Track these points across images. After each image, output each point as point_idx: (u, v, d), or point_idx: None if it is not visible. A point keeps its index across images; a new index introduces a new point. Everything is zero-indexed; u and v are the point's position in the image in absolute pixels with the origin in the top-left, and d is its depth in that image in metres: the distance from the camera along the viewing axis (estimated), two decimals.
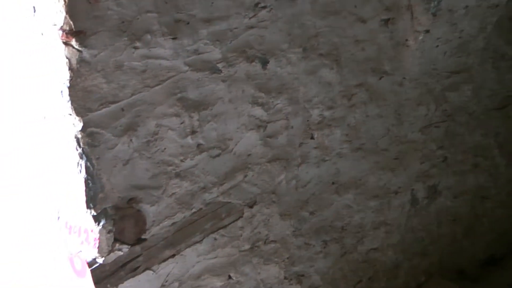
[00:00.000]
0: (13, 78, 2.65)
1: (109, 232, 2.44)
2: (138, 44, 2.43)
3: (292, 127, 3.06)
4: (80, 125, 2.31)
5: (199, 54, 2.62)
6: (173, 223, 2.66)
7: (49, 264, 2.81)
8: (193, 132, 2.66)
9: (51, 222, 2.67)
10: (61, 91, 2.29)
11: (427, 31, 3.52)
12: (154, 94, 2.51)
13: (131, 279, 2.58)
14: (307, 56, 3.04)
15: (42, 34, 2.33)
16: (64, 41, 2.25)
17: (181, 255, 2.73)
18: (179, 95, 2.59)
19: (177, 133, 2.61)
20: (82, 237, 2.50)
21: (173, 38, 2.53)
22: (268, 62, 2.87)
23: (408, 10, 3.45)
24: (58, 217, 2.61)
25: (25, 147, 2.73)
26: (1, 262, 3.31)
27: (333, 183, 3.34)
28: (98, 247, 2.44)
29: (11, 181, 2.91)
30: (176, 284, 2.74)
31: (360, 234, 3.58)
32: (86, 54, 2.28)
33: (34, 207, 2.79)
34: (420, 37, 3.52)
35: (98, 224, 2.42)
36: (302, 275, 3.30)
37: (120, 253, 2.51)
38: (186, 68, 2.59)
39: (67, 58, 2.26)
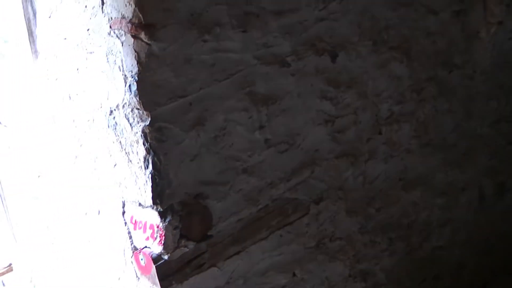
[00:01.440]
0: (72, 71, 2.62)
1: (175, 228, 2.40)
2: (207, 37, 2.37)
3: (360, 122, 2.97)
4: (148, 119, 2.26)
5: (268, 47, 2.56)
6: (239, 220, 2.61)
7: (112, 260, 2.79)
8: (261, 127, 2.60)
9: (116, 217, 2.64)
10: (129, 86, 2.25)
11: (500, 23, 3.39)
12: (223, 88, 2.45)
13: (196, 276, 2.53)
14: (377, 49, 2.95)
15: (109, 28, 2.28)
16: (133, 34, 2.20)
17: (247, 252, 2.67)
18: (247, 89, 2.53)
19: (245, 128, 2.55)
20: (147, 233, 2.47)
21: (242, 31, 2.46)
22: (337, 55, 2.80)
23: (481, 1, 3.33)
24: (123, 212, 2.58)
25: (85, 140, 2.70)
26: (64, 260, 3.31)
27: (400, 179, 3.25)
28: (164, 244, 2.40)
29: (73, 175, 2.89)
30: (241, 281, 2.69)
31: (426, 232, 3.49)
32: (155, 47, 2.23)
33: (96, 202, 2.77)
34: (493, 29, 3.40)
35: (165, 220, 2.38)
36: (367, 273, 3.22)
37: (186, 249, 2.46)
38: (255, 61, 2.53)
39: (135, 51, 2.21)
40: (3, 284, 6.40)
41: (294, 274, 2.89)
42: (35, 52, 4.21)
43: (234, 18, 2.43)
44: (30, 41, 4.08)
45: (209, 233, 2.53)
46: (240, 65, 2.48)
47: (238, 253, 2.65)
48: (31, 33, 4.11)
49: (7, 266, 6.37)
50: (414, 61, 3.13)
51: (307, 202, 2.85)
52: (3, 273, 6.45)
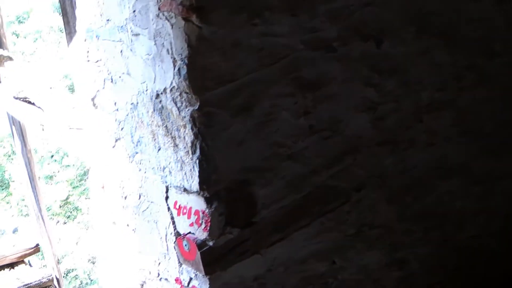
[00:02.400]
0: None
1: (220, 214, 2.38)
2: (257, 20, 2.33)
3: (401, 109, 2.93)
4: (197, 104, 2.23)
5: (315, 32, 2.51)
6: (282, 207, 2.58)
7: (153, 245, 2.77)
8: (306, 113, 2.56)
9: (158, 202, 2.62)
10: (178, 69, 2.22)
11: None
12: (270, 73, 2.41)
13: (239, 263, 2.52)
14: (419, 36, 2.90)
15: (158, 10, 2.25)
16: (184, 16, 2.16)
17: (289, 239, 2.65)
18: (294, 74, 2.48)
19: (291, 113, 2.51)
20: (192, 218, 2.44)
21: (292, 15, 2.42)
22: (382, 41, 2.75)
23: None
24: (166, 197, 2.55)
25: (126, 124, 2.67)
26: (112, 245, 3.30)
27: (437, 168, 3.21)
28: (209, 230, 2.38)
29: (113, 159, 2.86)
30: (282, 268, 2.67)
31: (461, 221, 3.45)
32: (206, 30, 2.20)
33: (137, 186, 2.74)
34: None
35: (211, 207, 2.35)
36: (403, 261, 3.19)
37: (231, 236, 2.44)
38: (302, 46, 2.49)
39: (186, 34, 2.17)
40: (30, 265, 6.47)
41: (333, 262, 2.87)
42: (69, 33, 4.19)
43: (284, 1, 2.38)
44: (64, 22, 4.07)
45: (253, 220, 2.50)
46: (287, 50, 2.44)
47: (280, 240, 2.62)
48: (65, 13, 4.10)
49: (34, 247, 6.44)
50: (455, 49, 3.08)
51: (348, 190, 2.82)
52: (30, 254, 6.53)
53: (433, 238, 3.32)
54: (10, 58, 5.11)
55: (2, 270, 6.38)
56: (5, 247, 6.42)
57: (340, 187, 2.78)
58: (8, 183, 59.37)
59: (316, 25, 2.50)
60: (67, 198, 56.22)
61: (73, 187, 57.60)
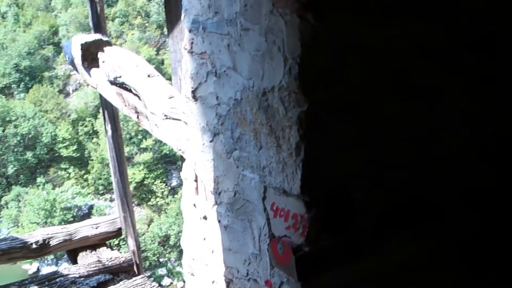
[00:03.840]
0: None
1: (319, 220, 2.30)
2: (371, 23, 2.24)
3: None
4: (305, 105, 2.16)
5: (426, 39, 2.41)
6: (378, 216, 2.49)
7: (244, 244, 2.72)
8: (411, 122, 2.46)
9: (254, 202, 2.56)
10: (289, 68, 2.15)
11: None
12: (379, 78, 2.32)
13: (332, 271, 2.45)
14: None
15: (272, 5, 2.18)
16: (300, 14, 2.09)
17: (382, 249, 2.55)
18: (403, 81, 2.39)
19: (396, 121, 2.42)
20: (289, 222, 2.38)
21: (405, 21, 2.32)
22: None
23: None
24: (263, 198, 2.50)
25: (227, 120, 2.62)
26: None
27: None
28: (306, 235, 2.31)
29: (211, 154, 2.82)
30: (375, 278, 2.59)
31: None
32: (320, 30, 2.12)
33: (233, 184, 2.70)
34: None
35: (310, 211, 2.28)
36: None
37: (327, 243, 2.36)
38: (414, 53, 2.38)
39: (300, 33, 2.10)
40: (112, 248, 6.59)
41: (425, 275, 2.76)
42: (170, 21, 4.20)
43: (399, 5, 2.28)
44: (166, 10, 4.08)
45: (350, 228, 2.42)
46: (399, 56, 2.34)
47: (374, 249, 2.54)
48: (168, 2, 4.10)
49: (116, 231, 6.55)
50: None
51: (444, 203, 2.70)
52: (112, 237, 6.65)
53: None
54: (109, 43, 5.17)
55: (84, 251, 6.50)
56: (87, 229, 6.53)
57: (436, 200, 2.66)
58: (87, 161, 60.89)
59: (429, 32, 2.40)
60: (142, 181, 57.39)
61: (149, 170, 58.70)
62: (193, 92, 2.85)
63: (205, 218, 3.06)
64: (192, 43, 2.79)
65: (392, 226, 2.57)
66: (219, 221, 2.90)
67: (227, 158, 2.71)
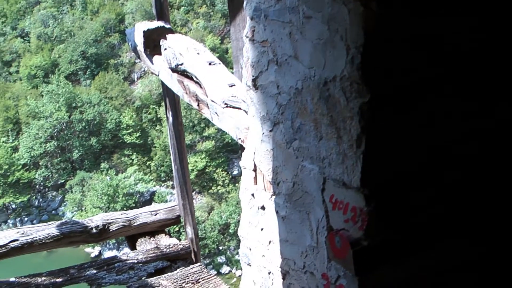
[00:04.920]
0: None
1: (378, 214, 2.25)
2: (435, 16, 2.17)
3: None
4: (367, 96, 2.11)
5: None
6: (434, 214, 2.43)
7: (300, 235, 2.68)
8: (470, 118, 2.39)
9: (312, 193, 2.52)
10: (352, 57, 2.10)
11: None
12: (440, 72, 2.25)
13: (389, 266, 2.40)
14: None
15: None
16: (364, 2, 2.04)
17: (437, 247, 2.49)
18: (465, 76, 2.32)
19: (455, 117, 2.35)
20: (348, 215, 2.33)
21: (470, 14, 2.25)
22: None
23: None
24: (322, 189, 2.45)
25: (287, 109, 2.58)
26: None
27: None
28: (365, 229, 2.26)
29: (270, 143, 2.79)
30: (432, 274, 2.52)
31: None
32: (384, 20, 2.06)
33: (294, 175, 2.66)
34: None
35: (370, 205, 2.23)
36: None
37: (384, 238, 2.31)
38: (476, 48, 2.30)
39: (364, 22, 2.05)
40: (170, 235, 6.64)
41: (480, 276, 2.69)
42: (233, 10, 4.17)
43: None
44: None
45: (406, 223, 2.36)
46: (463, 49, 2.27)
47: (431, 246, 2.47)
48: None
49: (175, 218, 6.59)
50: None
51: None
52: (170, 224, 6.70)
53: None
54: (171, 31, 5.17)
55: (143, 238, 6.55)
56: (146, 215, 6.58)
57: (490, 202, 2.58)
58: (150, 148, 61.68)
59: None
60: (204, 169, 57.83)
61: (211, 159, 59.13)
62: (254, 80, 2.82)
63: (263, 208, 3.03)
64: (253, 31, 2.75)
65: (447, 226, 2.50)
66: (277, 212, 2.86)
67: (286, 148, 2.67)
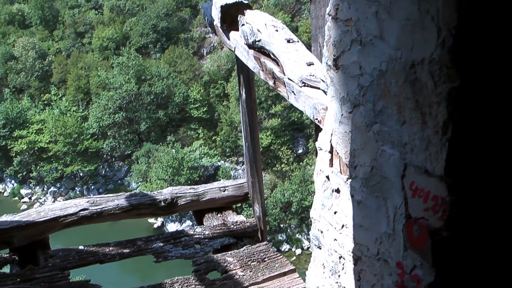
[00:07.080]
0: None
1: (460, 205, 2.16)
2: None
3: None
4: (457, 81, 2.02)
5: None
6: None
7: (374, 222, 2.61)
8: None
9: (393, 179, 2.44)
10: (443, 40, 2.02)
11: None
12: None
13: (469, 258, 2.29)
14: None
15: None
16: None
17: None
18: None
19: None
20: (428, 203, 2.24)
21: None
22: None
23: None
24: (402, 176, 2.37)
25: (369, 91, 2.50)
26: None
27: None
28: (446, 219, 2.17)
29: (349, 126, 2.72)
30: None
31: None
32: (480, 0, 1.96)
33: (373, 159, 2.58)
34: None
35: (453, 195, 2.14)
36: None
37: (465, 229, 2.22)
38: None
39: (458, 2, 1.95)
40: (237, 213, 6.62)
41: None
42: None
43: None
44: None
45: (488, 215, 2.26)
46: None
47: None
48: None
49: (243, 195, 6.57)
50: None
51: None
52: (238, 201, 6.68)
53: None
54: (249, 6, 5.11)
55: (210, 213, 6.55)
56: (215, 191, 6.58)
57: None
58: (216, 123, 61.96)
59: None
60: (269, 146, 57.89)
61: (276, 136, 59.10)
62: (335, 60, 2.74)
63: (337, 191, 2.97)
64: (337, 9, 2.68)
65: None
66: (352, 196, 2.80)
67: (366, 131, 2.59)
